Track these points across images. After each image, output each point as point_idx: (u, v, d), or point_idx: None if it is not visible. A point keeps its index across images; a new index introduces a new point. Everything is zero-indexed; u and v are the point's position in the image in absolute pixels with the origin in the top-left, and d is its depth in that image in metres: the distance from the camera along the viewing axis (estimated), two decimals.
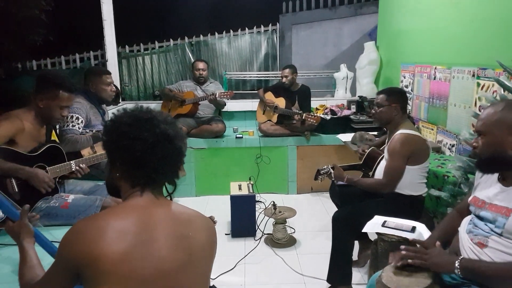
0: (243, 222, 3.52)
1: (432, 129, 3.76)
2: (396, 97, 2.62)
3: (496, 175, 1.63)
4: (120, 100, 5.01)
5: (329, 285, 2.66)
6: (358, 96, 5.09)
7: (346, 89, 5.69)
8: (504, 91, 2.39)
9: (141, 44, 7.82)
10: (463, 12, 3.25)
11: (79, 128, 2.90)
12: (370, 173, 2.85)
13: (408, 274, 1.57)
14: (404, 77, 4.43)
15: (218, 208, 4.12)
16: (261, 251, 3.31)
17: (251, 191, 3.56)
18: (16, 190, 2.13)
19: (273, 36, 7.99)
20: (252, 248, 3.34)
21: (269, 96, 4.68)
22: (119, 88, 4.79)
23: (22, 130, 2.24)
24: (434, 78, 3.72)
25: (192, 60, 7.17)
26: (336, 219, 2.62)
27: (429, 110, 3.84)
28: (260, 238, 3.49)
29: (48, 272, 1.19)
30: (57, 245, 1.22)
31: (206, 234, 1.25)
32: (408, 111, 2.88)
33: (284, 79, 4.53)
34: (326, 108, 5.01)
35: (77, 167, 2.43)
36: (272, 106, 4.52)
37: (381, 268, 1.79)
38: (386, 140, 2.73)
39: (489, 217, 1.56)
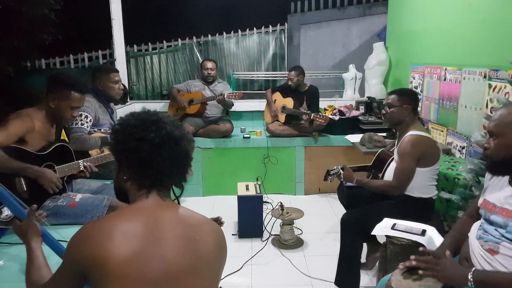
0: (250, 223, 3.50)
1: (442, 131, 3.72)
2: (408, 98, 2.58)
3: (507, 177, 1.59)
4: (128, 100, 5.02)
5: (337, 287, 2.64)
6: (367, 97, 5.05)
7: (354, 89, 5.66)
8: None
9: (149, 43, 7.85)
10: (474, 12, 3.20)
11: (87, 127, 2.90)
12: (380, 175, 2.81)
13: (418, 278, 1.54)
14: (414, 78, 4.39)
15: (225, 208, 4.11)
16: (268, 252, 3.29)
17: (258, 191, 3.54)
18: (25, 189, 2.14)
19: (281, 36, 7.98)
20: (259, 249, 3.32)
21: (277, 96, 4.66)
22: (127, 87, 4.80)
23: (32, 129, 2.25)
24: (444, 79, 3.68)
25: (200, 59, 7.18)
26: (344, 221, 2.59)
27: (439, 112, 3.80)
28: (267, 239, 3.47)
29: (55, 273, 1.19)
30: (64, 244, 1.22)
31: (213, 238, 1.23)
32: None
33: (289, 82, 4.52)
34: (335, 109, 4.98)
35: (85, 166, 2.43)
36: (274, 115, 4.53)
37: (390, 271, 1.76)
38: (396, 142, 2.71)
39: (500, 222, 1.52)
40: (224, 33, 7.90)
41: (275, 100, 4.66)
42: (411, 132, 2.50)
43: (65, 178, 2.37)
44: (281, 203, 3.46)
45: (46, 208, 2.20)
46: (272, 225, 3.56)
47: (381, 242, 2.53)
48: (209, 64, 4.80)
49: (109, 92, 3.12)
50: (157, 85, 7.88)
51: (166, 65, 7.84)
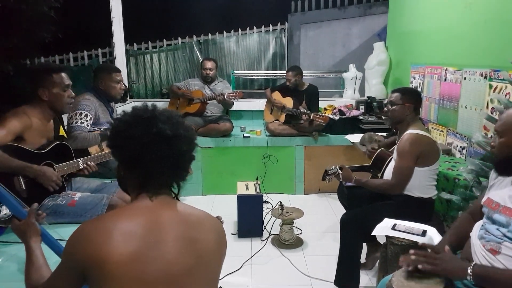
0: (249, 222, 3.50)
1: (442, 131, 3.71)
2: (411, 96, 2.58)
3: (511, 177, 1.60)
4: (128, 98, 5.00)
5: (336, 287, 2.63)
6: (367, 97, 5.05)
7: (354, 89, 5.65)
8: None
9: (149, 42, 7.83)
10: (475, 12, 3.19)
11: (87, 125, 2.89)
12: (379, 175, 2.81)
13: (420, 279, 1.54)
14: (414, 78, 4.38)
15: (224, 208, 4.10)
16: (268, 252, 3.28)
17: (258, 191, 3.53)
18: (24, 188, 2.12)
19: (282, 36, 7.97)
20: (258, 248, 3.32)
21: (277, 95, 4.66)
22: (127, 86, 4.79)
23: (30, 126, 2.23)
24: (445, 80, 3.67)
25: (200, 58, 7.17)
26: (344, 221, 2.59)
27: (439, 112, 3.79)
28: (267, 238, 3.47)
29: (54, 273, 1.18)
30: (63, 243, 1.21)
31: (215, 235, 1.22)
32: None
33: (287, 82, 4.53)
34: (335, 109, 4.97)
35: (85, 165, 2.42)
36: (280, 107, 4.51)
37: (390, 271, 1.76)
38: (396, 141, 2.70)
39: (503, 221, 1.52)
40: (224, 32, 7.89)
41: (274, 99, 4.65)
42: (410, 131, 2.50)
43: (64, 177, 2.36)
44: (280, 202, 3.45)
45: (45, 207, 2.19)
46: (271, 224, 3.56)
47: (381, 242, 2.53)
48: (209, 64, 4.78)
49: (111, 92, 3.11)
50: (157, 84, 7.87)
51: (166, 64, 7.83)
